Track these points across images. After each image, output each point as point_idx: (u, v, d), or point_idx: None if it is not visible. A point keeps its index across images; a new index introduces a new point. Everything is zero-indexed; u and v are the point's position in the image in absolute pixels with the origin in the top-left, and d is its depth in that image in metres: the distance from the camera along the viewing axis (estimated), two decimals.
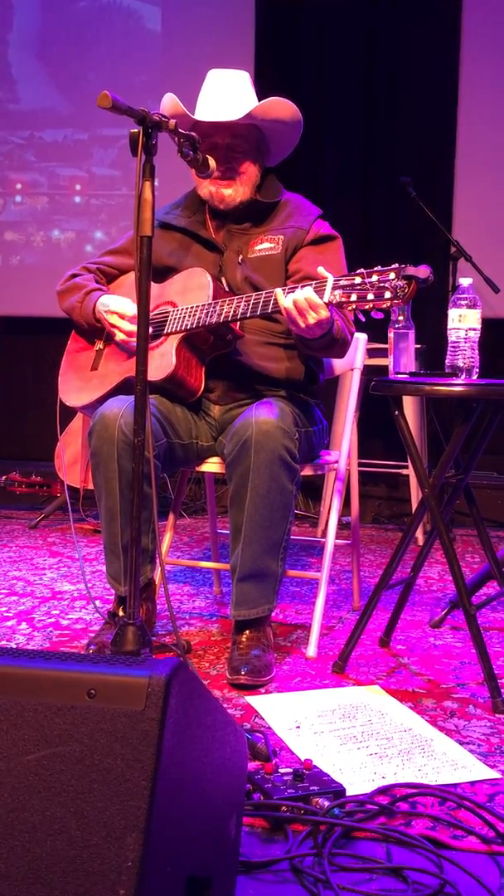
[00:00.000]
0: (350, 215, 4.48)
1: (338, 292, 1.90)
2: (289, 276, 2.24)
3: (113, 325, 2.23)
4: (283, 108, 2.23)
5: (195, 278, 2.21)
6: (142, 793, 0.91)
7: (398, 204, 4.19)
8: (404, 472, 3.99)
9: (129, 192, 4.88)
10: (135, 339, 2.19)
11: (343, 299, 1.89)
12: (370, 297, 1.84)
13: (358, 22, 4.58)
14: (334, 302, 1.91)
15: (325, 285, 1.92)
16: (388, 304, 1.83)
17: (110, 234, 4.92)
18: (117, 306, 2.23)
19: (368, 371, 2.70)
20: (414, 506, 3.80)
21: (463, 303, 2.03)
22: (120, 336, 2.23)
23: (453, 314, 2.03)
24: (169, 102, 2.23)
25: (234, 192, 2.25)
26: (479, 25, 4.43)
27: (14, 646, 2.29)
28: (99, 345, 2.36)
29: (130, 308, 2.21)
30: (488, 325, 2.24)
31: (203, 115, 2.21)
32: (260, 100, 2.22)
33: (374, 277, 1.85)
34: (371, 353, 3.35)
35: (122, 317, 2.22)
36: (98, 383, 2.31)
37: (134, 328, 2.18)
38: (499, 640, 2.43)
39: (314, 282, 1.95)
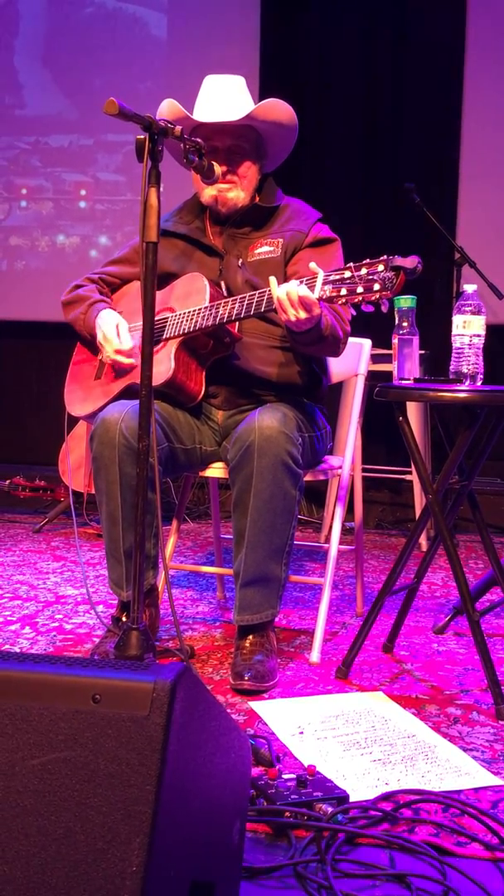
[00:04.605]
0: (353, 222, 4.49)
1: (328, 287, 1.91)
2: (287, 278, 2.24)
3: (101, 345, 2.25)
4: (281, 110, 2.24)
5: (192, 283, 2.23)
6: (146, 798, 0.91)
7: (402, 210, 4.19)
8: (408, 477, 3.99)
9: (134, 198, 4.90)
10: (117, 366, 2.22)
11: (333, 294, 1.90)
12: (359, 290, 1.86)
13: (362, 30, 4.59)
14: (324, 297, 1.92)
15: (315, 281, 1.93)
16: (378, 296, 1.83)
17: (115, 240, 4.93)
18: (111, 331, 2.23)
19: (372, 377, 2.71)
20: (417, 511, 3.80)
21: (467, 309, 2.03)
22: (105, 359, 2.26)
23: (458, 320, 2.03)
24: (169, 107, 2.24)
25: (237, 195, 2.27)
26: (483, 31, 4.43)
27: (18, 650, 2.29)
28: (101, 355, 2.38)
29: (120, 337, 2.22)
30: (493, 331, 2.25)
31: (205, 117, 2.22)
32: (256, 104, 2.24)
33: (364, 270, 1.86)
34: (375, 358, 3.36)
35: (110, 341, 2.22)
36: (101, 392, 2.32)
37: (117, 357, 2.21)
38: (502, 647, 2.43)
39: (305, 278, 1.96)
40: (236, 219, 2.30)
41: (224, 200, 2.27)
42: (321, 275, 1.92)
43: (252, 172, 2.28)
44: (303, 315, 1.95)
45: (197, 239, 2.33)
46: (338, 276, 1.90)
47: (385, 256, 1.85)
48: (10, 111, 5.03)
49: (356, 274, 1.87)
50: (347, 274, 1.88)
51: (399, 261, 1.81)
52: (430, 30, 4.52)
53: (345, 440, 2.51)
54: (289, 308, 1.96)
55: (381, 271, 1.83)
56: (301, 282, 1.95)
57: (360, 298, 1.86)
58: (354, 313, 1.91)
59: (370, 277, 1.84)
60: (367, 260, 1.87)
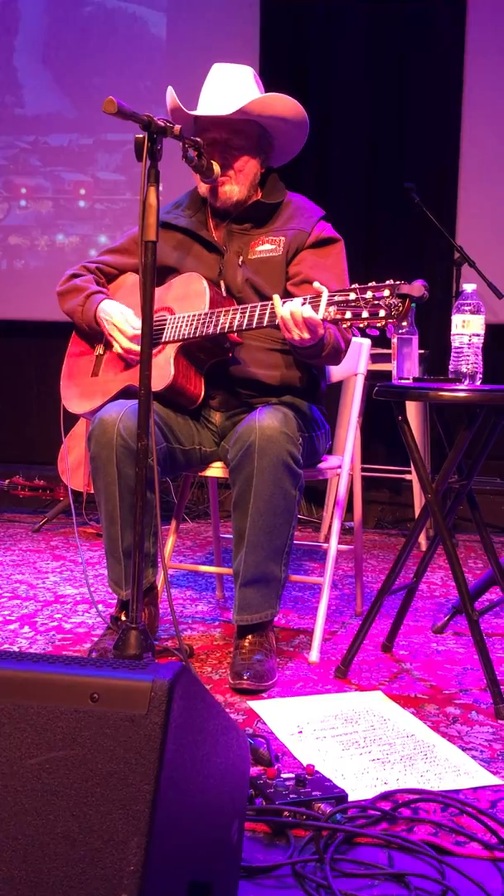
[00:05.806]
0: (354, 221, 4.49)
1: (332, 308, 1.88)
2: (289, 278, 2.23)
3: (112, 336, 2.24)
4: (284, 104, 2.20)
5: (192, 284, 2.21)
6: (144, 797, 0.91)
7: (402, 210, 4.20)
8: (407, 477, 3.99)
9: (134, 197, 4.90)
10: (132, 355, 2.21)
11: (338, 316, 1.87)
12: (364, 314, 1.83)
13: (364, 32, 4.59)
14: (328, 319, 1.90)
15: (319, 301, 1.90)
16: (383, 322, 1.81)
17: (114, 239, 4.91)
18: (119, 318, 2.22)
19: (372, 376, 2.71)
20: (417, 511, 3.80)
21: (467, 308, 2.03)
22: (118, 349, 2.23)
23: (457, 320, 2.03)
24: (168, 97, 2.23)
25: (231, 190, 2.23)
26: (483, 32, 4.43)
27: (17, 649, 2.29)
28: (99, 349, 2.36)
29: (130, 325, 2.20)
30: (492, 330, 2.25)
31: (199, 109, 2.20)
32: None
33: (369, 294, 1.83)
34: (374, 358, 3.36)
35: (121, 331, 2.21)
36: (100, 391, 2.31)
37: (131, 345, 2.19)
38: (501, 646, 2.43)
39: (308, 297, 1.94)
40: (237, 215, 2.29)
41: (217, 194, 2.24)
42: (325, 295, 1.89)
43: (250, 167, 2.24)
44: (307, 335, 1.94)
45: (197, 233, 2.30)
46: (342, 298, 1.87)
47: (391, 281, 1.82)
48: (10, 110, 5.02)
49: (361, 297, 1.84)
50: (352, 296, 1.85)
51: (406, 288, 1.78)
52: (431, 31, 4.52)
53: (344, 439, 2.51)
54: (293, 328, 1.94)
55: (387, 297, 1.80)
56: (305, 300, 1.93)
57: (366, 324, 1.84)
58: (358, 335, 1.89)
59: (375, 302, 1.81)
60: (373, 283, 1.84)
